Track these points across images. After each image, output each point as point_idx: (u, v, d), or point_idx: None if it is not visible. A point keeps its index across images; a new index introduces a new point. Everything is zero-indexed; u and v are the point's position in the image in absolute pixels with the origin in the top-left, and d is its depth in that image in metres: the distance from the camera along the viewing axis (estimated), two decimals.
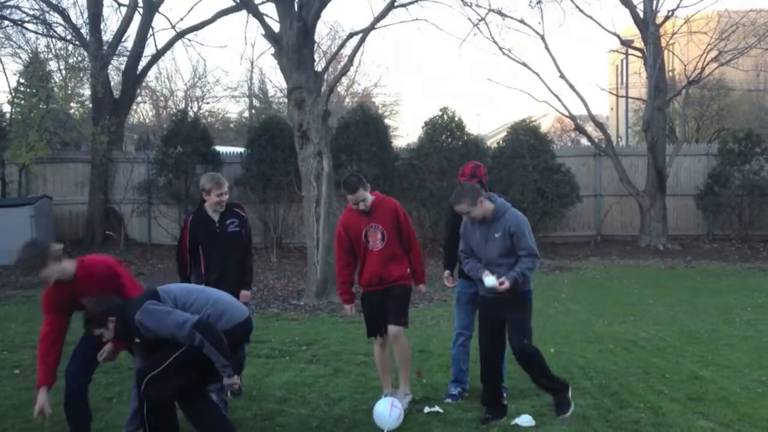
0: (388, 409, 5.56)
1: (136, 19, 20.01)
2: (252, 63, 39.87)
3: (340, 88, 37.37)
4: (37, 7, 19.63)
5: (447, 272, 6.64)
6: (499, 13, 17.70)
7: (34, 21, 19.70)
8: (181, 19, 41.89)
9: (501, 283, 5.51)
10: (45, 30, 20.15)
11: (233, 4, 16.24)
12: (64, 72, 21.82)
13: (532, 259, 5.65)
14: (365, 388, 6.73)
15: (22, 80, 20.09)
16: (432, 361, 7.63)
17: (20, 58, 22.33)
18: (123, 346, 5.31)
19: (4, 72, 28.05)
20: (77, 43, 19.44)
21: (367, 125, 17.73)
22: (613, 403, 6.12)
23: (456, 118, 18.11)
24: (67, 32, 19.63)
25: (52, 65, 21.48)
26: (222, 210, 6.37)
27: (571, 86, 18.51)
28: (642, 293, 12.35)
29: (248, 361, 7.25)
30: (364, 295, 6.30)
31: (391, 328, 6.07)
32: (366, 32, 11.96)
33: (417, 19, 13.95)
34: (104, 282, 5.20)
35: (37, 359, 5.41)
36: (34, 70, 19.02)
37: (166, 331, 4.79)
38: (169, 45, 20.84)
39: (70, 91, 28.30)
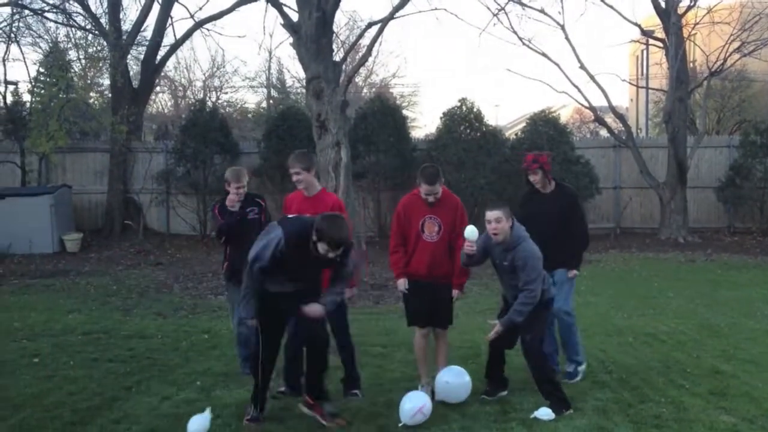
0: (413, 411, 5.55)
1: (155, 8, 20.05)
2: (270, 53, 39.91)
3: (358, 79, 37.24)
4: None
5: None
6: (519, 2, 17.58)
7: (54, 10, 19.80)
8: (200, 9, 41.98)
9: (496, 331, 5.86)
10: (65, 19, 20.23)
11: None
12: (83, 62, 21.90)
13: (528, 294, 5.72)
14: (383, 380, 6.72)
15: (42, 70, 20.16)
16: (452, 353, 7.58)
17: (40, 47, 22.43)
18: None
19: (24, 61, 28.04)
20: (96, 32, 19.48)
21: (384, 116, 17.67)
22: (634, 398, 6.05)
23: (474, 109, 17.99)
24: (87, 21, 19.67)
25: (72, 55, 21.58)
26: (241, 200, 6.74)
27: (591, 77, 18.36)
28: (662, 286, 12.23)
29: None
30: (408, 284, 6.30)
31: (439, 329, 6.31)
32: (385, 22, 11.89)
33: (436, 9, 13.74)
34: None
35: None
36: (54, 60, 19.10)
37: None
38: (188, 34, 20.84)
39: (89, 81, 28.50)
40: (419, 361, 6.38)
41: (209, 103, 24.99)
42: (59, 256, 16.24)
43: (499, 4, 17.33)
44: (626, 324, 9.20)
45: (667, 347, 7.94)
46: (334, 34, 13.28)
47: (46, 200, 16.52)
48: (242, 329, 6.59)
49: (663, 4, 17.83)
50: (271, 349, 5.64)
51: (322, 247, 5.16)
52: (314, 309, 5.47)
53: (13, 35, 18.88)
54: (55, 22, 20.93)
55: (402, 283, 6.29)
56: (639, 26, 19.02)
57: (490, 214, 5.80)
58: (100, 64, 21.08)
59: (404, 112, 24.88)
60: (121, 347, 8.10)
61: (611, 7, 17.83)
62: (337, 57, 15.15)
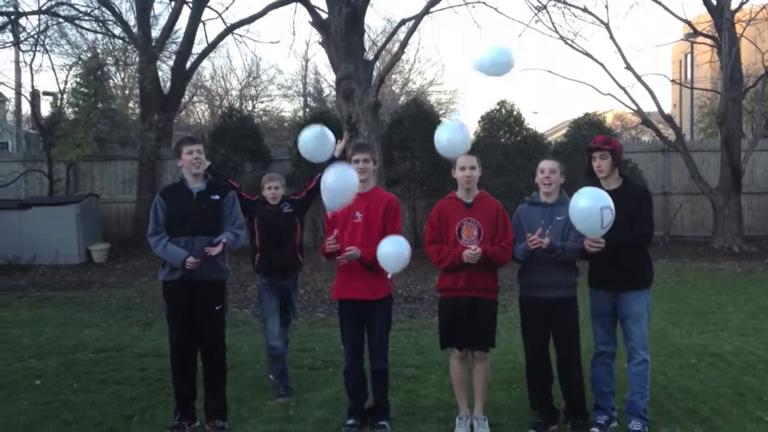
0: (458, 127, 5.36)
1: (186, 13, 19.61)
2: (306, 61, 39.46)
3: (395, 87, 36.75)
4: (89, 3, 19.44)
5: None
6: (563, 1, 16.75)
7: (86, 18, 19.46)
8: (227, 8, 41.64)
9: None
10: (98, 27, 19.88)
11: None
12: (119, 70, 21.62)
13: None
14: (415, 408, 5.97)
15: (79, 80, 19.77)
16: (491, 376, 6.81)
17: (72, 56, 22.15)
18: None
19: (53, 69, 27.88)
20: (127, 39, 19.11)
21: (420, 120, 16.88)
22: None
23: (515, 113, 17.20)
24: (116, 27, 19.30)
25: (109, 62, 21.21)
26: (277, 202, 6.68)
27: (638, 77, 17.46)
28: (719, 299, 11.31)
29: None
30: (443, 301, 5.60)
31: (478, 352, 5.52)
32: (419, 18, 11.20)
33: (476, 2, 12.86)
34: None
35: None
36: (88, 69, 18.68)
37: None
38: (219, 39, 20.35)
39: (127, 91, 28.30)
40: (456, 389, 5.59)
41: (245, 112, 24.47)
42: (85, 267, 15.79)
43: (540, 2, 16.53)
44: (686, 343, 8.32)
45: (736, 370, 7.08)
46: (366, 33, 12.61)
47: (73, 209, 16.09)
48: (274, 343, 6.57)
49: (714, 1, 16.88)
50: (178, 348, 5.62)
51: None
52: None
53: (41, 43, 18.56)
54: (86, 29, 20.62)
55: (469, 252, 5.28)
56: (689, 23, 18.07)
57: (545, 164, 5.49)
58: (131, 70, 20.67)
59: (442, 119, 24.16)
60: (133, 367, 7.47)
61: (660, 3, 16.90)
62: (370, 57, 14.48)
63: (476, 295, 5.39)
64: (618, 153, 5.51)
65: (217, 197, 5.64)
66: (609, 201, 4.99)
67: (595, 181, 5.54)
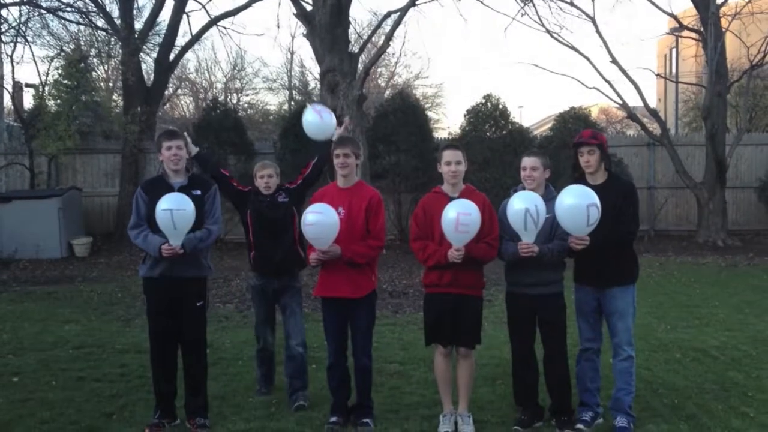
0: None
1: (169, 5, 19.40)
2: (291, 54, 39.29)
3: (381, 81, 36.60)
4: None
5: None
6: None
7: (69, 9, 19.20)
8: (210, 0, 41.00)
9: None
10: (81, 18, 19.61)
11: None
12: (102, 62, 21.33)
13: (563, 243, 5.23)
14: (399, 406, 5.90)
15: (59, 70, 19.47)
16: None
17: (54, 48, 21.83)
18: None
19: (34, 61, 27.52)
20: (110, 30, 18.87)
21: (405, 114, 16.83)
22: (691, 429, 5.21)
23: (500, 106, 17.16)
24: (99, 18, 19.05)
25: (88, 54, 20.92)
26: (271, 192, 6.21)
27: (624, 71, 17.46)
28: (704, 293, 11.30)
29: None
30: (428, 297, 5.51)
31: (463, 349, 5.43)
32: (405, 10, 11.09)
33: None
34: None
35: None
36: (70, 60, 18.42)
37: None
38: (203, 31, 20.19)
39: (111, 84, 27.97)
40: (441, 386, 5.51)
41: (230, 105, 24.28)
42: (67, 261, 15.61)
43: None
44: (671, 337, 8.29)
45: (721, 365, 7.05)
46: (350, 26, 12.49)
47: (54, 203, 15.89)
48: (264, 344, 6.34)
49: None
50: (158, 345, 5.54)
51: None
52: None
53: (22, 34, 18.29)
54: (69, 20, 20.33)
55: (454, 252, 5.15)
56: (675, 17, 18.05)
57: (527, 161, 5.38)
58: (112, 62, 20.42)
59: (427, 113, 24.10)
60: (113, 363, 7.35)
61: None
62: (354, 50, 14.36)
63: (462, 292, 5.31)
64: (605, 147, 5.43)
65: (198, 192, 5.51)
66: (595, 198, 4.94)
67: (580, 176, 5.48)
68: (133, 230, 5.43)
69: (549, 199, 5.31)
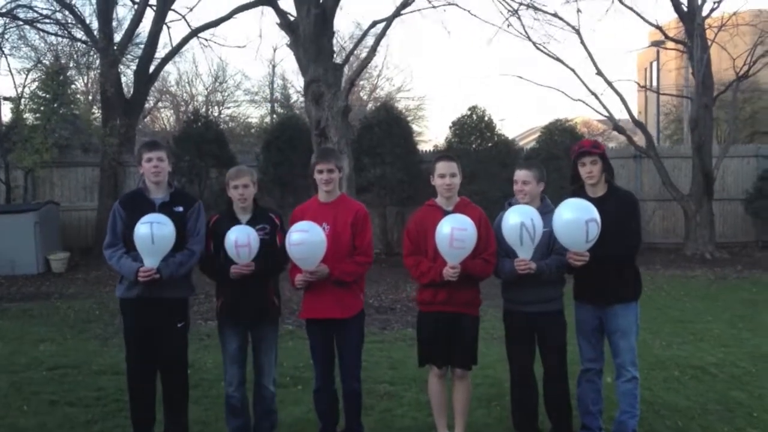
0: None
1: (149, 16, 19.11)
2: (273, 66, 39.00)
3: (363, 94, 36.45)
4: (50, 6, 18.84)
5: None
6: (533, 6, 16.51)
7: (47, 21, 18.85)
8: (191, 10, 40.52)
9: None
10: (59, 30, 19.26)
11: None
12: (81, 74, 20.96)
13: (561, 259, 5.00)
14: (391, 430, 5.62)
15: (36, 82, 19.08)
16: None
17: (31, 59, 21.46)
18: None
19: (11, 73, 27.03)
20: (89, 42, 18.54)
21: (390, 126, 16.61)
22: None
23: (486, 118, 16.98)
24: (77, 30, 18.71)
25: (66, 65, 20.57)
26: (246, 206, 5.27)
27: (609, 83, 17.34)
28: (696, 308, 11.11)
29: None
30: (422, 316, 5.24)
31: (459, 370, 5.17)
32: (390, 20, 10.89)
33: (447, 4, 12.45)
34: None
35: None
36: (48, 73, 18.06)
37: None
38: (184, 42, 19.89)
39: (91, 96, 27.55)
40: (435, 409, 5.24)
41: (211, 117, 23.96)
42: (44, 277, 15.17)
43: (511, 7, 16.27)
44: (668, 354, 8.06)
45: (722, 383, 6.83)
46: (335, 35, 12.25)
47: (31, 218, 15.45)
48: (233, 392, 5.30)
49: (685, 7, 16.78)
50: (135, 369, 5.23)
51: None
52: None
53: None
54: (47, 32, 19.94)
55: (450, 269, 4.89)
56: (661, 29, 17.96)
57: (519, 174, 5.16)
58: (91, 73, 20.07)
59: (411, 125, 23.91)
60: (89, 386, 7.01)
61: (631, 8, 16.78)
62: (339, 61, 14.13)
63: (457, 310, 5.05)
64: (606, 158, 5.20)
65: (180, 209, 5.18)
66: (595, 213, 4.71)
67: (579, 188, 5.24)
68: (107, 249, 5.13)
69: (545, 212, 5.09)
